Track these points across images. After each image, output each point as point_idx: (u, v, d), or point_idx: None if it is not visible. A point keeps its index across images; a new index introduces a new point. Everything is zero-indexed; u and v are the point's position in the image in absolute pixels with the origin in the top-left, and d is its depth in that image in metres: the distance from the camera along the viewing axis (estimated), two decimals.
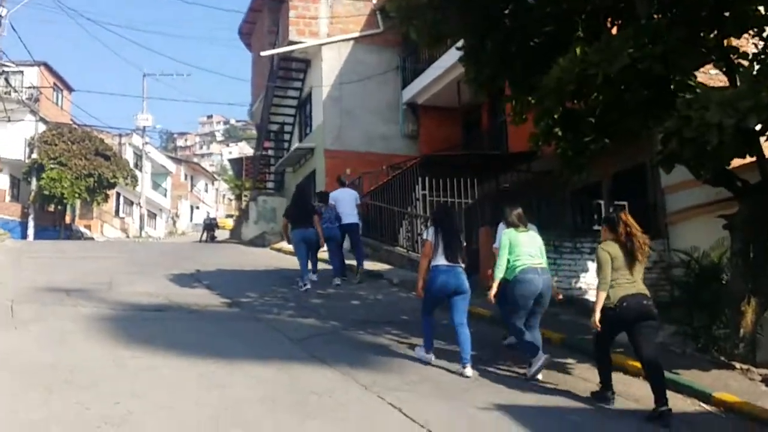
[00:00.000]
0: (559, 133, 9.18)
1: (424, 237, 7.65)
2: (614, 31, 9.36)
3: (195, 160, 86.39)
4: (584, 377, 7.25)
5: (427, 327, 7.46)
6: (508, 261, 7.29)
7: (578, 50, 8.12)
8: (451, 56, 17.94)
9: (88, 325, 7.88)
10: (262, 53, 21.80)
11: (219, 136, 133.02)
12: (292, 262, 13.38)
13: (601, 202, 13.78)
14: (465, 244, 8.06)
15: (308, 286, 11.41)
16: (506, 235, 7.46)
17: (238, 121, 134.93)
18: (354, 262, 12.97)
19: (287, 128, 23.54)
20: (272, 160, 24.68)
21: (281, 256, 16.14)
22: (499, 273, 7.27)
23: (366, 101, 20.54)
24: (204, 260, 14.88)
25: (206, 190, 71.63)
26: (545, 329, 8.73)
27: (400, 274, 13.08)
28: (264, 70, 24.17)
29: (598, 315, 6.33)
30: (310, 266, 12.26)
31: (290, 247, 13.22)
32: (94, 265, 13.41)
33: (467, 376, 6.89)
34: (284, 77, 22.33)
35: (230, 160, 38.22)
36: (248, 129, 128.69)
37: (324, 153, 20.09)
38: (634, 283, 6.41)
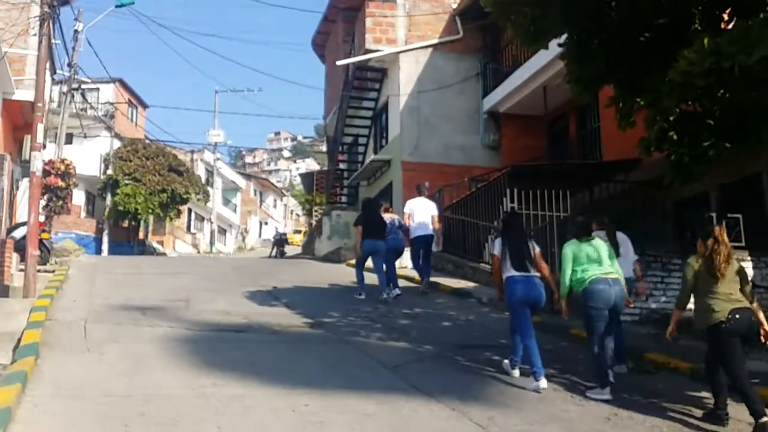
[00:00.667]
0: (675, 138, 8.24)
1: (491, 251, 7.14)
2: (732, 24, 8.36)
3: (263, 176, 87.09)
4: (731, 416, 6.20)
5: (531, 348, 6.80)
6: (575, 273, 6.93)
7: (706, 41, 7.14)
8: (538, 60, 17.03)
9: (165, 347, 7.22)
10: (338, 62, 21.18)
11: (286, 153, 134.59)
12: (371, 278, 12.79)
13: (713, 214, 12.55)
14: (538, 250, 7.41)
15: (363, 297, 11.52)
16: (568, 246, 7.11)
17: (305, 138, 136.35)
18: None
19: (361, 140, 22.89)
20: (345, 174, 24.10)
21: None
22: (564, 286, 6.95)
23: (445, 110, 19.70)
24: (280, 276, 14.25)
25: (275, 206, 71.91)
26: (670, 357, 7.78)
27: (489, 293, 12.12)
28: (338, 81, 23.63)
29: (670, 329, 6.39)
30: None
31: (368, 264, 12.90)
32: (170, 281, 12.91)
33: (543, 387, 6.49)
34: (359, 87, 21.70)
35: (301, 175, 37.94)
36: (315, 145, 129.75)
37: (401, 165, 19.29)
38: (735, 298, 6.07)
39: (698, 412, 6.19)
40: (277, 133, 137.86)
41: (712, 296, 6.05)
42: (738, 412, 5.96)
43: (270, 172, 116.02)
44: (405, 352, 7.77)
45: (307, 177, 36.13)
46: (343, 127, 22.19)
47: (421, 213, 12.73)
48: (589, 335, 6.90)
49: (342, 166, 24.29)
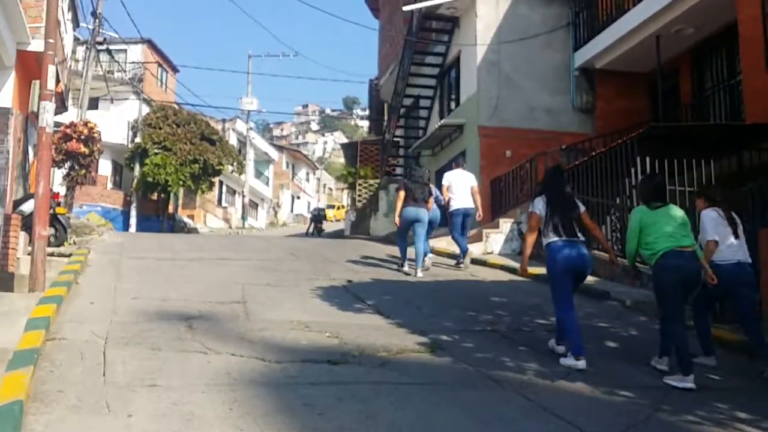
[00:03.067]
0: None
1: (530, 209, 6.46)
2: None
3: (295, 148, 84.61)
4: None
5: (569, 323, 6.18)
6: (648, 243, 6.08)
7: None
8: (647, 5, 14.05)
9: (231, 399, 4.45)
10: (405, 7, 18.14)
11: (314, 126, 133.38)
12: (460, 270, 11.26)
13: None
14: (581, 212, 6.56)
15: (410, 273, 10.89)
16: (635, 213, 6.32)
17: (333, 111, 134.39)
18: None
19: (423, 103, 19.98)
20: (401, 142, 21.23)
21: (438, 259, 12.61)
22: (630, 256, 6.34)
23: (529, 66, 16.72)
24: (347, 264, 11.54)
25: (307, 180, 69.25)
26: None
27: (630, 294, 9.34)
28: (395, 38, 20.73)
29: None
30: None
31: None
32: (215, 271, 10.19)
33: (581, 369, 5.75)
34: (423, 39, 18.74)
35: (342, 145, 35.16)
36: (343, 118, 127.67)
37: (478, 130, 16.38)
38: None
39: None
40: (305, 106, 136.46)
41: None
42: None
43: (298, 145, 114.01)
44: (597, 404, 4.96)
45: (350, 147, 33.23)
46: (404, 87, 19.26)
47: (460, 185, 12.04)
48: (661, 315, 6.22)
49: (398, 133, 21.39)
